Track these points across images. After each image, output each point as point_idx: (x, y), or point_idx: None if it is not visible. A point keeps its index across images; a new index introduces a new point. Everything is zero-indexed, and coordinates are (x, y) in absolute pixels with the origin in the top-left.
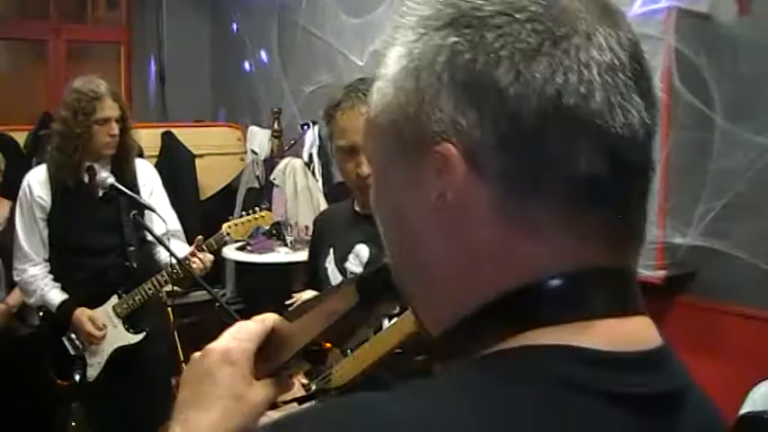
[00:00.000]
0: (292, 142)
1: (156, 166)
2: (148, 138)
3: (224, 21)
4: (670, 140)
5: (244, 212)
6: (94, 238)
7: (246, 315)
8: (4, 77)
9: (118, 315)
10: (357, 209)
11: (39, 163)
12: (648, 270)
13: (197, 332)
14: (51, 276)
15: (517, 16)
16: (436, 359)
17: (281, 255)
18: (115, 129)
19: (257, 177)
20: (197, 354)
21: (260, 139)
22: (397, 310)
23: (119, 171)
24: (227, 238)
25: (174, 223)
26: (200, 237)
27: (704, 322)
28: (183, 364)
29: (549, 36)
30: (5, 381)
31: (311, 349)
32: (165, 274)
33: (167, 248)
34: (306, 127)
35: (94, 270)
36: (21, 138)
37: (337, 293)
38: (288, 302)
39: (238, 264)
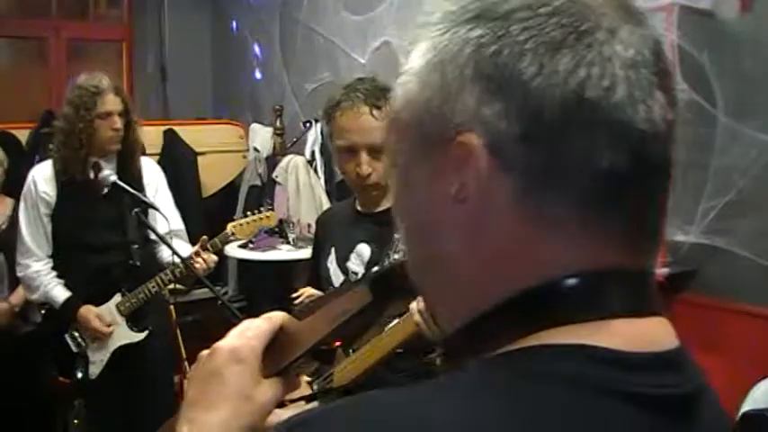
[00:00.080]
0: (294, 140)
1: (158, 163)
2: (150, 135)
3: (225, 18)
4: None
5: (248, 212)
6: (98, 236)
7: (248, 312)
8: (6, 75)
9: (121, 313)
10: (359, 208)
11: (41, 160)
12: None
13: (199, 330)
14: (55, 273)
15: (541, 10)
16: (448, 357)
17: (284, 252)
18: (118, 123)
19: (259, 175)
20: (204, 352)
21: (262, 136)
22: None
23: (124, 168)
24: (231, 237)
25: (177, 222)
26: (204, 237)
27: (706, 320)
28: (185, 362)
29: (573, 30)
30: (6, 379)
31: (321, 348)
32: (168, 272)
33: (171, 247)
34: (308, 124)
35: (97, 267)
36: (22, 136)
37: (349, 292)
38: (294, 296)
39: (240, 261)
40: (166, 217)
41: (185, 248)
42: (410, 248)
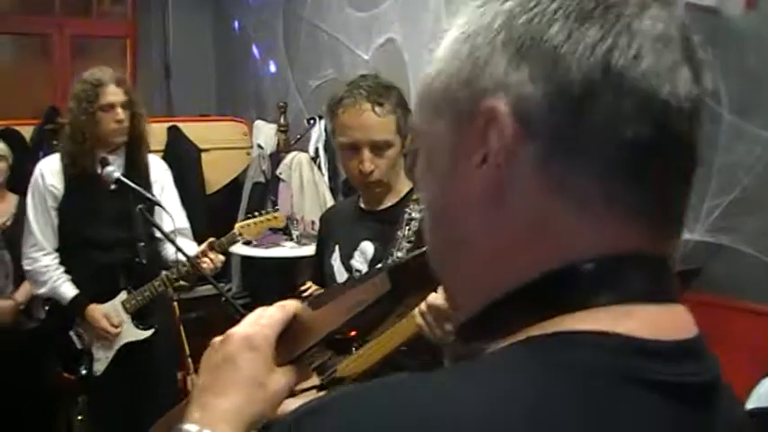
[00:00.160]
0: (298, 137)
1: (162, 160)
2: (154, 132)
3: (229, 15)
4: None
5: (255, 212)
6: (104, 231)
7: (252, 309)
8: (9, 72)
9: (127, 311)
10: (362, 206)
11: (45, 156)
12: None
13: (202, 326)
14: (63, 268)
15: None
16: (465, 341)
17: (287, 249)
18: (121, 114)
19: (263, 172)
20: (217, 339)
21: (266, 133)
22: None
23: (132, 163)
24: (238, 238)
25: (182, 221)
26: (212, 239)
27: (710, 318)
28: (189, 359)
29: (603, 2)
30: (10, 375)
31: (335, 338)
32: (175, 271)
33: (176, 246)
34: (312, 122)
35: (103, 264)
36: (26, 132)
37: (366, 282)
38: (303, 288)
39: (244, 258)
40: (171, 215)
41: (191, 247)
42: (431, 233)
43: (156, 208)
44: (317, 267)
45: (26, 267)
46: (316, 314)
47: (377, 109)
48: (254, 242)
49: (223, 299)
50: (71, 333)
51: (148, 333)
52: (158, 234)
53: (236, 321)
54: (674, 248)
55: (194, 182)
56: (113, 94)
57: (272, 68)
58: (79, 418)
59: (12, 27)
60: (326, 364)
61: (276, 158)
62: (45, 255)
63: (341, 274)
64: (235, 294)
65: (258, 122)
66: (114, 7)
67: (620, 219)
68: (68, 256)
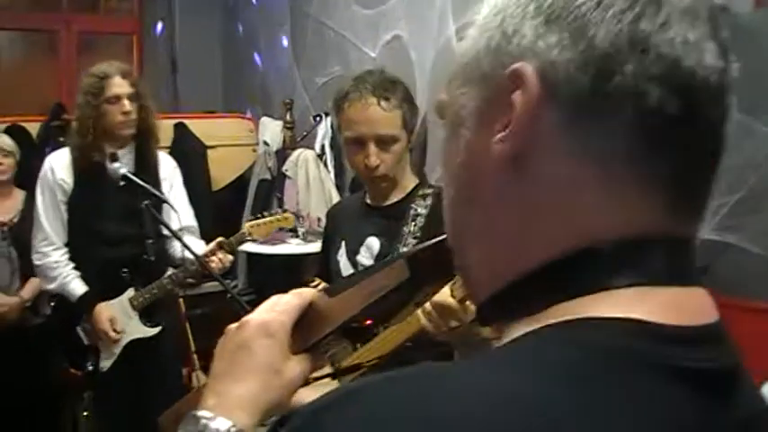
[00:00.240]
0: (305, 134)
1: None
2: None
3: (236, 11)
4: None
5: (265, 212)
6: (113, 226)
7: (258, 306)
8: (16, 68)
9: (134, 308)
10: (368, 202)
11: (53, 151)
12: None
13: (208, 323)
14: (73, 264)
15: None
16: (483, 323)
17: (293, 246)
18: (127, 106)
19: (269, 169)
20: (232, 326)
21: (272, 130)
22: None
23: (142, 158)
24: (248, 237)
25: (189, 219)
26: (221, 238)
27: None
28: (195, 356)
29: None
30: (16, 371)
31: (351, 326)
32: (185, 270)
33: (184, 244)
34: (318, 118)
35: (110, 260)
36: (33, 128)
37: (384, 269)
38: (312, 285)
39: (250, 255)
40: (178, 212)
41: (198, 245)
42: (451, 209)
43: (164, 205)
44: (323, 263)
45: (36, 262)
46: (332, 302)
47: (383, 103)
48: (260, 239)
49: (229, 296)
50: (78, 329)
51: (155, 330)
52: (166, 231)
53: (241, 318)
54: (696, 231)
55: (200, 179)
56: (119, 85)
57: (279, 65)
58: (85, 413)
59: (18, 23)
60: (333, 357)
61: (282, 155)
62: (55, 249)
63: (347, 270)
64: (241, 291)
65: (264, 119)
66: (121, 3)
67: (642, 189)
68: (76, 250)
